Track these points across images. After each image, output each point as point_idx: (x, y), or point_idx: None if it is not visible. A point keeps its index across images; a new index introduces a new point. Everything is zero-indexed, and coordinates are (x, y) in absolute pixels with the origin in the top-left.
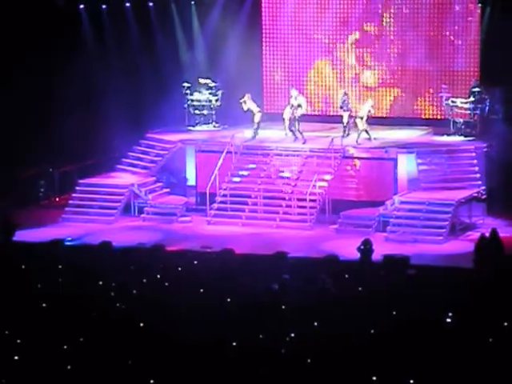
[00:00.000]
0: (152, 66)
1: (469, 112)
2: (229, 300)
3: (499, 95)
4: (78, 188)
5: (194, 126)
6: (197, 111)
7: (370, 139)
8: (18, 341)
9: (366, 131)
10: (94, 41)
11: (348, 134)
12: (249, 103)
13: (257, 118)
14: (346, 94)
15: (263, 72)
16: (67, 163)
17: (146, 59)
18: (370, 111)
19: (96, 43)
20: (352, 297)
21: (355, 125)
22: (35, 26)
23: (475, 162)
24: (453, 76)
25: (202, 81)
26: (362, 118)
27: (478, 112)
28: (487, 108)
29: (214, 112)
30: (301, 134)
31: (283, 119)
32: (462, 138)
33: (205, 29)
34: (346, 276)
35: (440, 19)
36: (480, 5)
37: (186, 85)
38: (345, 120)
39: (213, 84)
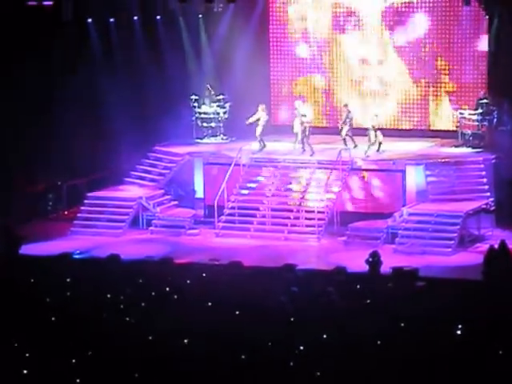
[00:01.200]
0: (160, 79)
1: (477, 123)
2: (237, 313)
3: (507, 107)
4: (86, 201)
5: (201, 139)
6: (204, 124)
7: (378, 150)
8: (27, 354)
9: (379, 143)
10: (102, 54)
11: (355, 146)
12: (259, 114)
13: (258, 131)
14: (345, 105)
15: (271, 84)
16: (75, 176)
17: (154, 72)
18: (374, 122)
19: (104, 56)
20: (360, 309)
21: (368, 137)
22: (41, 40)
23: (483, 173)
24: (461, 87)
25: (208, 88)
26: (372, 130)
27: (485, 123)
28: (495, 119)
29: (221, 124)
30: (309, 146)
31: (295, 133)
32: (470, 149)
33: (212, 41)
34: (355, 288)
35: (448, 30)
36: (487, 16)
37: (193, 97)
38: (343, 133)
39: (220, 96)
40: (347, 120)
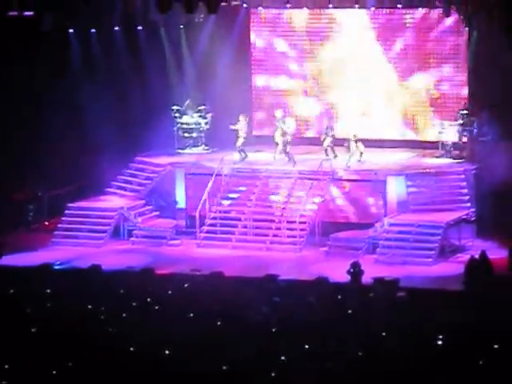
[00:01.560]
0: (141, 89)
1: (457, 134)
2: (219, 323)
3: (487, 117)
4: (67, 212)
5: (183, 149)
6: (186, 134)
7: (359, 160)
8: (6, 366)
9: (361, 153)
10: (83, 64)
11: (336, 156)
12: (240, 125)
13: (239, 142)
14: (328, 116)
15: (252, 94)
16: (56, 187)
17: (135, 82)
18: (355, 134)
19: (85, 66)
20: (342, 319)
21: (348, 147)
22: (21, 50)
23: (464, 184)
24: (442, 99)
25: (189, 103)
26: (353, 141)
27: (466, 134)
28: (475, 130)
29: (203, 135)
30: (291, 156)
31: (276, 143)
32: (450, 160)
33: (194, 52)
34: (336, 298)
35: (428, 41)
36: (467, 28)
37: (175, 108)
38: (325, 144)
39: (202, 107)
40: (329, 131)
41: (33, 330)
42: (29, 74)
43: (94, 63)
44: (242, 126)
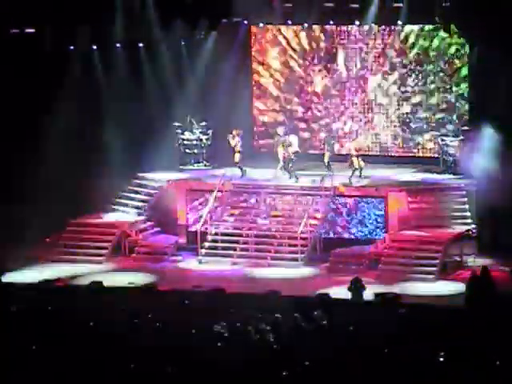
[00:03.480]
0: (143, 105)
1: (458, 150)
2: (219, 344)
3: (487, 133)
4: (68, 228)
5: (184, 165)
6: (187, 150)
7: (360, 176)
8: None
9: (361, 169)
10: (84, 81)
11: (332, 173)
12: (234, 140)
13: (236, 157)
14: (328, 132)
15: (253, 111)
16: (58, 202)
17: (137, 98)
18: (359, 149)
19: (86, 84)
20: (343, 335)
21: (351, 163)
22: (22, 68)
23: (465, 200)
24: (442, 114)
25: (190, 120)
26: (354, 156)
27: (466, 150)
28: (475, 146)
29: (204, 151)
30: (293, 172)
31: (278, 159)
32: (451, 176)
33: (195, 68)
34: (337, 314)
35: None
36: (466, 43)
37: (176, 124)
38: (326, 159)
39: (203, 123)
40: (328, 147)
41: (33, 347)
42: (27, 95)
43: (95, 80)
44: (235, 141)
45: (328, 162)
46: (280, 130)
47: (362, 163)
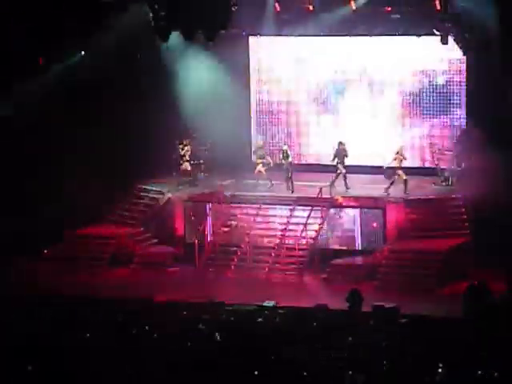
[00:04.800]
0: (141, 116)
1: (455, 161)
2: (219, 350)
3: (483, 143)
4: (66, 239)
5: (182, 177)
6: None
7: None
8: None
9: (405, 180)
10: (84, 93)
11: (332, 183)
12: (184, 150)
13: (187, 166)
14: (341, 143)
15: (252, 121)
16: (56, 213)
17: (137, 109)
18: (397, 159)
19: (85, 95)
20: (341, 347)
21: (398, 176)
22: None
23: (463, 210)
24: (441, 125)
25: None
26: (399, 168)
27: (463, 161)
28: (472, 157)
29: (202, 161)
30: (291, 183)
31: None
32: (449, 187)
33: (193, 78)
34: (335, 326)
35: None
36: (464, 54)
37: (177, 142)
38: (341, 170)
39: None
40: (340, 157)
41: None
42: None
43: (95, 91)
44: (185, 150)
45: (340, 172)
46: (259, 143)
47: (403, 176)
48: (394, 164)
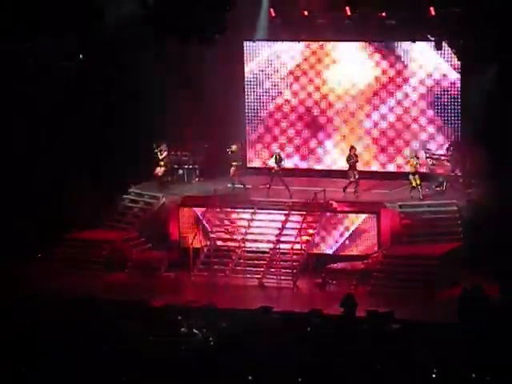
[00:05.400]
0: (136, 119)
1: (448, 167)
2: (213, 356)
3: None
4: (62, 243)
5: (178, 181)
6: (181, 166)
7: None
8: None
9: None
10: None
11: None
12: (162, 155)
13: (161, 171)
14: (352, 147)
15: (246, 127)
16: (51, 218)
17: (129, 113)
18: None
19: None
20: (336, 352)
21: (410, 182)
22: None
23: (457, 216)
24: (434, 131)
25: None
26: (413, 174)
27: (457, 168)
28: (467, 164)
29: (197, 166)
30: (286, 187)
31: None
32: (443, 192)
33: (187, 82)
34: (330, 331)
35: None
36: (458, 60)
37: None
38: (355, 176)
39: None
40: (351, 162)
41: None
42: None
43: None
44: (163, 155)
45: (354, 177)
46: (233, 147)
47: (418, 180)
48: (409, 169)
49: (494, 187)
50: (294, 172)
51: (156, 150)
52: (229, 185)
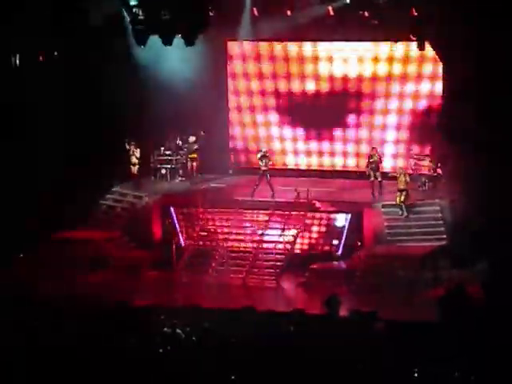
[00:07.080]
0: (117, 118)
1: (432, 167)
2: (197, 355)
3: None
4: (45, 243)
5: (160, 181)
6: (164, 165)
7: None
8: None
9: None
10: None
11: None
12: (136, 155)
13: (135, 170)
14: (373, 148)
15: (229, 125)
16: (34, 218)
17: (113, 112)
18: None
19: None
20: (319, 351)
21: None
22: None
23: (440, 215)
24: (421, 133)
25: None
26: (400, 191)
27: (440, 167)
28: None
29: (179, 165)
30: (270, 186)
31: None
32: (426, 192)
33: (171, 81)
34: (313, 330)
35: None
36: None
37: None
38: (377, 177)
39: (180, 142)
40: (373, 163)
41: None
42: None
43: (72, 93)
44: (137, 155)
45: (375, 179)
46: (192, 139)
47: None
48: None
49: (476, 187)
50: (283, 172)
51: (128, 148)
52: (188, 182)
